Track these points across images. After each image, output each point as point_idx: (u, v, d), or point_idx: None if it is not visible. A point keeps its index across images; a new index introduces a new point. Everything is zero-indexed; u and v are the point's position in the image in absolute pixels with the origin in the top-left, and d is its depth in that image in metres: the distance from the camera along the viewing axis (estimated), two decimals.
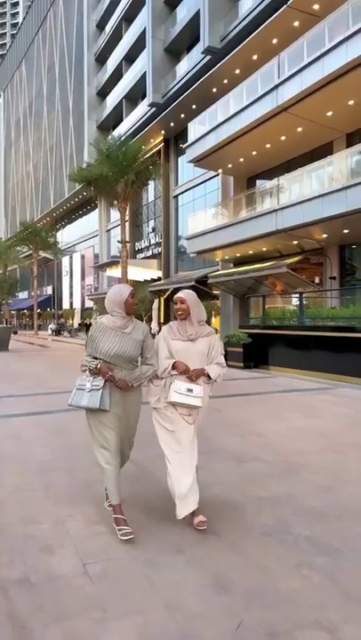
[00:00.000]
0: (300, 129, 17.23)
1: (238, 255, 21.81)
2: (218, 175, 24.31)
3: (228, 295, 23.52)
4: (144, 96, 30.47)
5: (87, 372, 3.11)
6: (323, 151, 17.60)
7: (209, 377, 3.27)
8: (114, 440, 3.13)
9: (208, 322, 19.91)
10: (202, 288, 23.98)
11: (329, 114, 15.97)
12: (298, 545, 2.82)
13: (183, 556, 2.58)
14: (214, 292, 24.32)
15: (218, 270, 23.56)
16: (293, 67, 15.62)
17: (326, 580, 2.50)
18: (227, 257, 22.61)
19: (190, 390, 3.15)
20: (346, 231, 16.20)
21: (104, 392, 3.05)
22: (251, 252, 20.84)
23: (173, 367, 3.21)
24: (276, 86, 16.27)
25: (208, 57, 22.79)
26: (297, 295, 14.43)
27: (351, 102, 15.19)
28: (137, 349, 3.16)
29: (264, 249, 20.06)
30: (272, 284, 20.10)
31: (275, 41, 18.45)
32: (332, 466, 4.48)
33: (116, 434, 3.14)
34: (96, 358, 3.12)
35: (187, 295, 3.30)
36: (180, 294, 3.32)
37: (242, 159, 20.79)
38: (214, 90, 22.55)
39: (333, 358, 10.76)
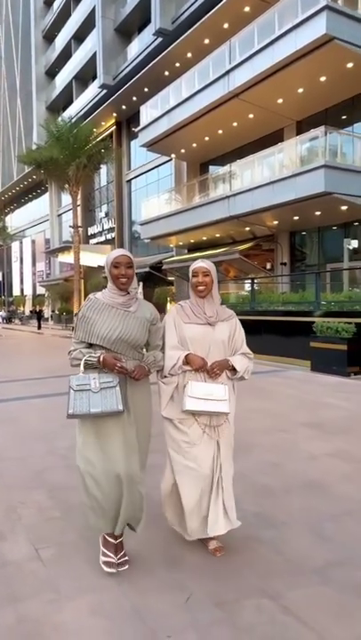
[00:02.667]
0: (251, 115, 17.37)
1: (192, 241, 21.90)
2: (171, 160, 24.21)
3: (183, 281, 23.60)
4: (95, 77, 29.76)
5: (83, 366, 2.36)
6: (274, 138, 17.84)
7: (233, 371, 2.58)
8: (119, 450, 2.37)
9: (163, 308, 20.02)
10: (156, 274, 23.98)
11: (279, 101, 16.19)
12: (246, 520, 2.94)
13: (135, 535, 2.64)
14: (169, 277, 24.37)
15: (172, 256, 23.59)
16: (244, 52, 15.68)
17: (272, 552, 2.63)
18: (181, 243, 22.66)
19: (210, 393, 2.46)
20: (296, 218, 16.58)
21: (121, 389, 2.34)
22: (204, 238, 20.98)
23: (186, 361, 2.49)
24: (228, 72, 16.31)
25: (160, 39, 22.49)
26: (249, 281, 14.70)
27: (301, 90, 15.44)
28: (144, 332, 2.46)
29: (217, 235, 20.24)
30: (225, 270, 20.36)
31: (226, 25, 18.43)
32: (280, 444, 4.66)
33: (120, 441, 2.39)
34: (90, 346, 2.42)
35: (210, 266, 2.60)
36: (200, 264, 2.59)
37: (195, 144, 20.78)
38: (166, 73, 22.33)
39: (283, 342, 11.09)
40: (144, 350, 2.54)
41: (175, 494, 2.58)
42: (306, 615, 2.08)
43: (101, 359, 2.34)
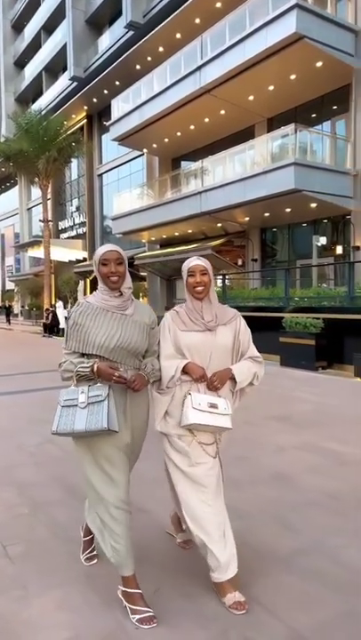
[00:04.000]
0: (222, 111, 17.44)
1: (165, 236, 21.89)
2: (143, 155, 24.09)
3: (155, 277, 23.60)
4: (65, 69, 29.29)
5: (75, 379, 2.09)
6: (245, 135, 17.96)
7: (234, 381, 2.31)
8: (122, 474, 2.18)
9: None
10: (129, 269, 23.79)
11: (250, 98, 16.30)
12: None
13: None
14: (141, 273, 24.30)
15: (144, 252, 23.52)
16: (216, 48, 15.70)
17: (238, 543, 2.68)
18: (153, 238, 22.61)
19: (214, 405, 2.20)
20: (267, 215, 16.76)
21: (110, 404, 2.05)
22: (177, 234, 20.99)
23: (184, 371, 2.25)
24: (199, 67, 16.31)
25: (131, 32, 22.30)
26: (220, 277, 14.82)
27: (271, 88, 15.58)
28: (145, 337, 2.21)
29: (189, 231, 20.28)
30: None
31: (197, 21, 18.42)
32: (249, 438, 4.74)
33: (124, 464, 2.20)
34: (84, 356, 2.15)
35: (206, 263, 2.32)
36: (196, 261, 2.31)
37: (167, 139, 20.73)
38: (138, 67, 22.17)
39: (254, 337, 11.18)
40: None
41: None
42: (271, 603, 2.14)
43: (95, 369, 2.05)
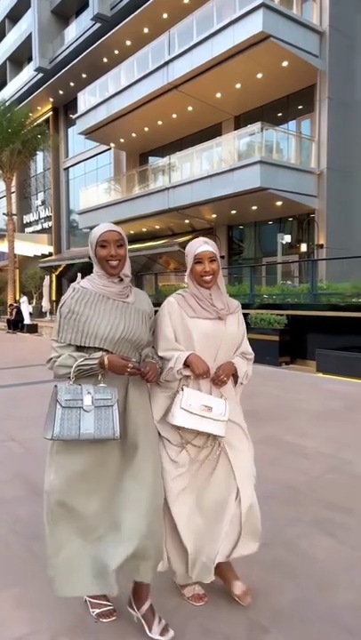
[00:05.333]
0: (190, 108, 17.46)
1: (132, 232, 21.77)
2: (110, 149, 23.87)
3: None
4: (30, 59, 28.67)
5: (74, 375, 1.81)
6: (212, 132, 18.06)
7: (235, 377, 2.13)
8: (105, 495, 1.89)
9: None
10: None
11: (218, 95, 16.38)
12: None
13: None
14: None
15: None
16: (183, 44, 15.70)
17: None
18: None
19: (207, 408, 1.96)
20: (233, 212, 16.92)
21: (118, 408, 1.83)
22: (144, 230, 20.93)
23: (185, 364, 1.99)
24: (167, 62, 16.27)
25: (98, 24, 22.02)
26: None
27: (238, 86, 15.71)
28: (147, 328, 2.00)
29: (157, 227, 20.25)
30: (166, 262, 20.45)
31: (165, 15, 18.35)
32: None
33: (113, 481, 1.90)
34: (81, 349, 1.88)
35: (215, 248, 2.09)
36: (205, 247, 2.05)
37: (134, 134, 20.61)
38: (105, 60, 21.92)
39: None
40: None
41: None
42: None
43: (106, 362, 1.80)
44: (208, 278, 2.04)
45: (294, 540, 2.68)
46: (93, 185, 23.71)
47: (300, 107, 16.11)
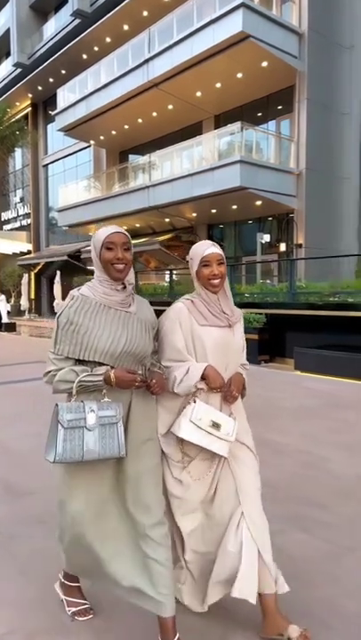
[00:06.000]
0: (170, 106, 17.45)
1: None
2: (90, 146, 23.71)
3: None
4: (9, 54, 28.27)
5: (76, 391, 1.70)
6: (193, 130, 18.09)
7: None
8: (115, 514, 1.81)
9: None
10: (75, 263, 23.51)
11: (198, 94, 16.41)
12: None
13: (44, 525, 2.63)
14: (88, 267, 23.95)
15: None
16: (164, 42, 15.69)
17: None
18: None
19: (216, 425, 1.85)
20: (214, 211, 16.98)
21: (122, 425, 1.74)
22: (125, 228, 20.56)
23: (202, 377, 1.86)
24: (147, 60, 16.24)
25: (78, 20, 21.85)
26: (168, 272, 14.90)
27: (219, 85, 15.76)
28: (150, 340, 1.88)
29: (137, 225, 20.20)
30: (146, 260, 20.41)
31: (145, 13, 18.30)
32: None
33: (118, 498, 1.82)
34: (80, 362, 1.76)
35: (220, 250, 1.98)
36: (213, 249, 1.95)
37: (114, 132, 20.51)
38: (85, 56, 21.77)
39: None
40: None
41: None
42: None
43: (112, 377, 1.68)
44: (216, 282, 1.93)
45: (271, 536, 2.71)
46: (73, 182, 23.54)
47: (279, 107, 16.25)
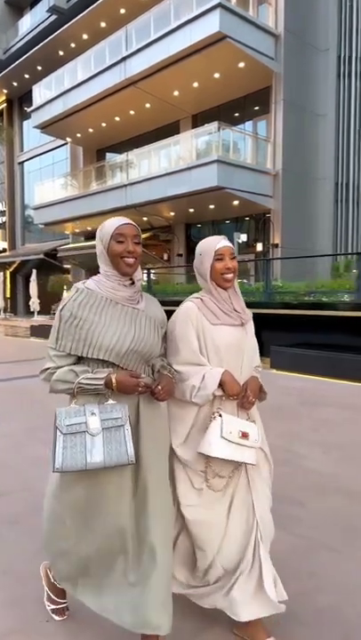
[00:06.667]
0: (148, 105, 17.41)
1: (90, 229, 21.50)
2: (66, 144, 23.48)
3: (80, 269, 23.14)
4: None
5: (76, 393, 1.59)
6: (170, 129, 18.07)
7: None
8: (128, 524, 1.66)
9: (59, 298, 19.47)
10: (52, 262, 23.26)
11: (176, 93, 16.41)
12: None
13: (18, 525, 2.60)
14: (65, 265, 23.73)
15: (69, 243, 22.99)
16: (141, 41, 15.63)
17: None
18: (77, 230, 22.14)
19: (245, 435, 1.76)
20: (191, 210, 17.01)
21: (129, 427, 1.60)
22: None
23: (218, 384, 1.75)
24: (124, 58, 16.16)
25: (54, 16, 21.60)
26: (146, 271, 14.84)
27: (196, 85, 15.79)
28: (159, 339, 1.77)
29: None
30: None
31: (123, 11, 18.22)
32: None
33: (129, 510, 1.66)
34: (80, 359, 1.66)
35: (231, 245, 1.90)
36: (225, 243, 1.88)
37: (91, 129, 20.35)
38: (61, 53, 21.54)
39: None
40: None
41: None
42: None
43: (114, 382, 1.57)
44: (230, 276, 1.83)
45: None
46: (49, 180, 23.28)
47: (256, 107, 16.38)
